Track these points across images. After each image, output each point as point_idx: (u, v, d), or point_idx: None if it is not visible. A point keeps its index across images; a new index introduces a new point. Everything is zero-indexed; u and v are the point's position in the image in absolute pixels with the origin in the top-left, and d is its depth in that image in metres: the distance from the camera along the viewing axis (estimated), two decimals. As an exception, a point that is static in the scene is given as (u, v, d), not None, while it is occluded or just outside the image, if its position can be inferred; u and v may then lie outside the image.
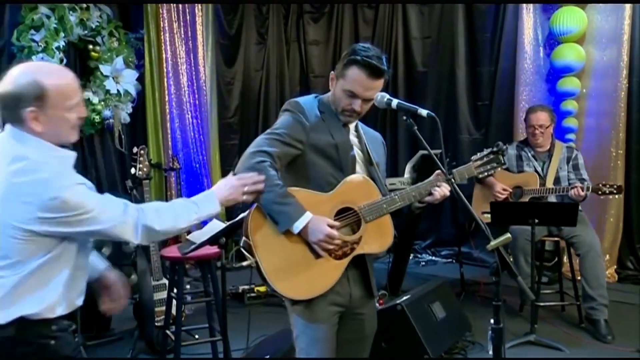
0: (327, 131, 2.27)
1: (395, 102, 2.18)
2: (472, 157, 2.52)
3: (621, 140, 5.55)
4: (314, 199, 2.20)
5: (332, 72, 2.34)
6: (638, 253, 5.65)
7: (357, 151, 2.36)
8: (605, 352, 3.97)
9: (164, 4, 6.13)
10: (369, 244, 2.28)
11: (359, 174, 2.32)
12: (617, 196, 4.35)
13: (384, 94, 2.21)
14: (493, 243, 1.89)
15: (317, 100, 2.36)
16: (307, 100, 2.33)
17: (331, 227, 2.14)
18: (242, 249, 2.23)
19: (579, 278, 4.67)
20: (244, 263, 2.15)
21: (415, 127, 2.14)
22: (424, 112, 2.11)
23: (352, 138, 2.37)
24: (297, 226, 2.11)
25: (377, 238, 2.31)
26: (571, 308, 4.63)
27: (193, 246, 3.22)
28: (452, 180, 2.14)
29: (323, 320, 2.22)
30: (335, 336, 2.29)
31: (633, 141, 5.58)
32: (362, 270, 2.33)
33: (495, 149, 2.48)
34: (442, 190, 2.31)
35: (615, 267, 5.61)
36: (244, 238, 2.19)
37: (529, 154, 4.61)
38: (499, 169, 2.52)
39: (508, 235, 1.89)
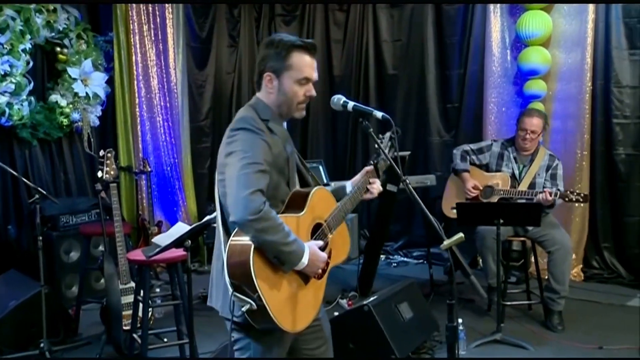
0: (280, 143, 2.16)
1: (351, 104, 2.18)
2: (379, 145, 2.47)
3: (586, 142, 5.63)
4: (293, 223, 2.10)
5: (267, 73, 2.17)
6: (603, 252, 5.74)
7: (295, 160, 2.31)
8: (569, 349, 4.04)
9: (133, 7, 6.09)
10: (337, 254, 2.28)
11: (319, 187, 2.27)
12: (582, 205, 4.40)
13: (340, 96, 2.20)
14: (446, 243, 1.92)
15: (253, 109, 2.19)
16: (252, 113, 2.16)
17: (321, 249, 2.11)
18: (235, 293, 1.98)
19: (544, 277, 4.76)
20: (243, 308, 1.90)
21: (371, 129, 2.15)
22: (378, 114, 2.12)
23: None
24: (304, 262, 2.04)
25: (341, 246, 2.31)
26: (538, 306, 4.70)
27: (157, 249, 3.21)
28: (407, 181, 2.13)
29: (284, 344, 2.18)
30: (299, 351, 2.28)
31: (598, 143, 5.68)
32: None
33: (392, 135, 2.45)
34: (377, 186, 2.37)
35: (581, 266, 5.70)
36: (233, 280, 2.00)
37: (511, 155, 4.64)
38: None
39: (461, 235, 1.92)
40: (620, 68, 5.54)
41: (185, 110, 6.65)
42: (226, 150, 2.08)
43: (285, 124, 2.31)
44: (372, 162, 2.31)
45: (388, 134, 2.45)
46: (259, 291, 1.95)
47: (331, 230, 2.23)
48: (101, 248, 5.09)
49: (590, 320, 4.63)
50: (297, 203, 2.17)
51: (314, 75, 2.19)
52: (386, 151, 2.39)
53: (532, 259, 4.96)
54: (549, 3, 5.66)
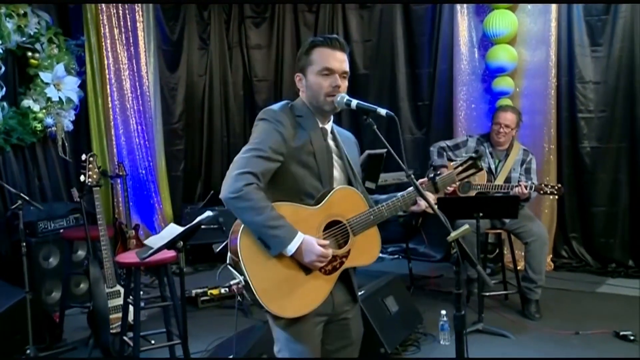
0: (306, 138, 2.18)
1: (354, 102, 2.18)
2: (452, 164, 2.57)
3: (553, 136, 5.80)
4: (302, 214, 2.12)
5: (297, 74, 2.27)
6: (571, 242, 5.91)
7: (335, 157, 2.29)
8: (548, 336, 4.15)
9: (104, 10, 6.01)
10: (357, 257, 2.23)
11: (348, 187, 2.27)
12: (555, 196, 4.50)
13: (343, 95, 2.21)
14: (453, 234, 1.94)
15: (290, 106, 2.25)
16: (282, 107, 2.22)
17: (322, 245, 2.08)
18: (229, 267, 2.09)
19: (519, 268, 4.88)
20: (232, 282, 1.99)
21: (375, 127, 2.18)
22: (382, 111, 2.14)
23: (330, 142, 2.30)
24: (290, 249, 2.04)
25: (365, 251, 2.27)
26: (513, 296, 4.82)
27: (151, 251, 3.19)
28: (412, 176, 2.15)
29: (308, 333, 2.17)
30: (320, 347, 2.25)
31: (564, 137, 5.84)
32: (343, 275, 2.25)
33: (474, 155, 2.54)
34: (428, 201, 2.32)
35: (551, 256, 5.85)
36: (230, 255, 2.09)
37: (487, 150, 4.72)
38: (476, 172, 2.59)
39: (467, 226, 1.96)
40: (584, 65, 5.71)
41: (158, 113, 6.62)
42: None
43: (329, 124, 2.32)
44: (428, 177, 2.31)
45: (468, 155, 2.55)
46: (244, 268, 2.01)
47: (354, 231, 2.22)
48: (80, 252, 5.05)
49: (564, 308, 4.76)
50: (320, 199, 2.18)
51: (337, 66, 2.20)
52: (461, 169, 2.50)
53: (506, 251, 5.07)
54: (513, 3, 5.79)
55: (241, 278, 2.03)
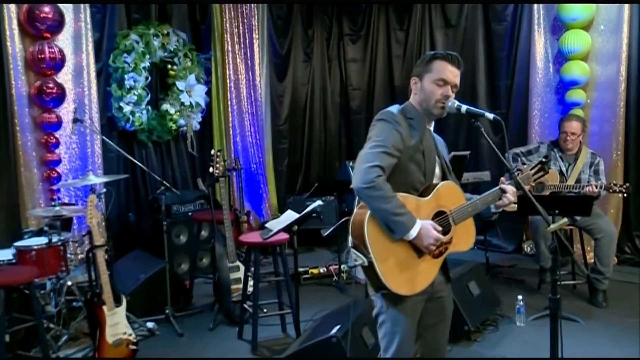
0: (417, 137, 2.18)
1: (464, 107, 2.18)
2: (526, 167, 2.55)
3: (621, 144, 5.51)
4: (415, 204, 2.13)
5: (413, 77, 2.26)
6: (635, 240, 5.61)
7: (435, 156, 2.30)
8: (614, 323, 3.99)
9: (227, 29, 6.23)
10: (458, 243, 2.24)
11: (449, 181, 2.27)
12: (624, 195, 4.29)
13: (454, 100, 2.21)
14: (553, 226, 1.92)
15: (401, 108, 2.25)
16: (396, 110, 2.22)
17: (436, 230, 2.10)
18: (353, 249, 2.08)
19: (590, 260, 4.68)
20: (356, 262, 2.01)
21: (482, 129, 2.18)
22: (490, 116, 2.14)
23: (432, 142, 2.30)
24: (412, 234, 2.05)
25: (464, 238, 2.27)
26: (581, 286, 4.65)
27: (273, 232, 3.29)
28: (516, 175, 2.13)
29: (412, 309, 2.19)
30: (418, 322, 2.25)
31: (631, 143, 5.55)
32: None
33: (544, 160, 2.52)
34: (509, 197, 2.29)
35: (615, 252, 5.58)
36: (353, 240, 2.10)
37: (557, 155, 4.58)
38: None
39: (565, 219, 1.93)
40: (652, 79, 5.41)
41: (267, 116, 6.79)
42: (367, 137, 2.17)
43: (432, 124, 2.33)
44: (510, 175, 2.27)
45: (538, 161, 2.51)
46: (370, 250, 2.01)
47: (455, 221, 2.22)
48: (203, 232, 5.23)
49: (628, 298, 4.53)
50: (427, 191, 2.20)
51: (451, 79, 2.20)
52: (533, 171, 2.46)
53: (579, 245, 4.88)
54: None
55: (364, 259, 2.02)
